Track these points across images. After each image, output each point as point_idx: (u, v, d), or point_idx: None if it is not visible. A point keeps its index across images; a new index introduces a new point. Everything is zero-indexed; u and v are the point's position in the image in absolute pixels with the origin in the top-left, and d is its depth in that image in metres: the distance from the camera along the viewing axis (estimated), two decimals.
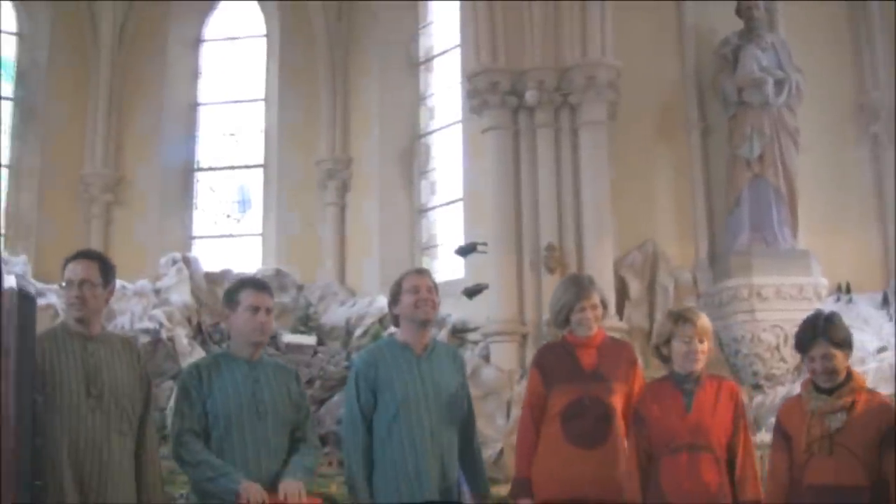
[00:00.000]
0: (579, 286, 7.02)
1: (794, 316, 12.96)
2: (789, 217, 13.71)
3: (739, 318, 13.30)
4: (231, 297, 6.26)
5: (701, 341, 6.47)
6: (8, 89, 19.74)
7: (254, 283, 6.40)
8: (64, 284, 5.96)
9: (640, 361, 7.21)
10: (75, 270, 5.96)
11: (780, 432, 6.42)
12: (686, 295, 13.94)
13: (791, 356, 12.79)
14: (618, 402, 6.70)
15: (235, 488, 5.75)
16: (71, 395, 5.71)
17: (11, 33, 19.82)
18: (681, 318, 6.57)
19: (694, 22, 14.73)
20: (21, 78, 19.74)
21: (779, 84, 13.78)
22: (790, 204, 13.74)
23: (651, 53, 14.56)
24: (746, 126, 13.71)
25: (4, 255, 17.18)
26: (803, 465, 6.17)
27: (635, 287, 13.91)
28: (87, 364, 5.80)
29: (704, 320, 6.58)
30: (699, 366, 6.47)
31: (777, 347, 13.11)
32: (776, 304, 13.20)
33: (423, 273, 6.86)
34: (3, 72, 19.76)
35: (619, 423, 6.66)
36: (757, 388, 13.10)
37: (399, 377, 6.45)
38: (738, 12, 14.24)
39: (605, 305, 7.02)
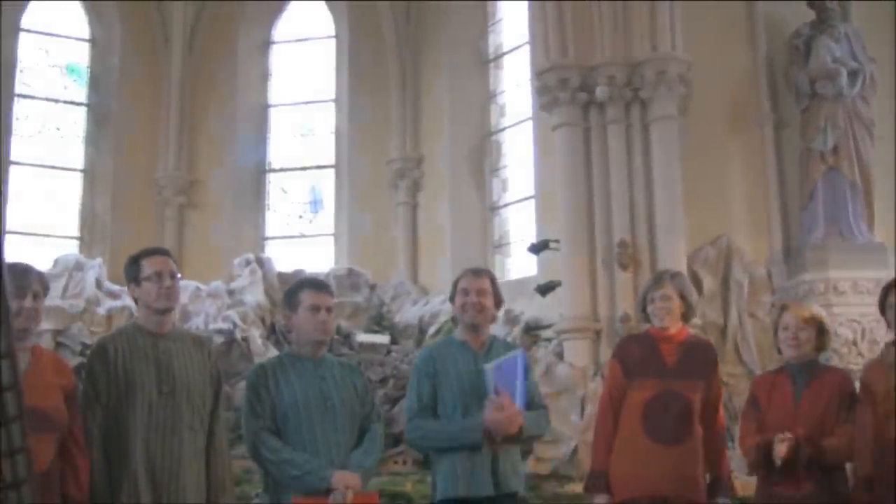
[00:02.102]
0: (656, 277, 7.09)
1: (871, 310, 12.78)
2: (865, 210, 13.52)
3: None
4: (291, 298, 6.24)
5: (800, 328, 6.49)
6: (82, 95, 20.03)
7: (313, 283, 6.38)
8: (146, 276, 5.95)
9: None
10: (164, 263, 5.98)
11: (865, 389, 6.39)
12: (761, 290, 13.81)
13: (868, 351, 12.63)
14: (698, 400, 6.62)
15: (325, 486, 5.77)
16: (143, 393, 5.74)
17: (84, 40, 20.08)
18: (781, 307, 6.74)
19: (765, 13, 14.57)
20: (94, 83, 20.02)
21: (853, 75, 13.59)
22: (866, 196, 13.55)
23: (722, 46, 14.43)
24: (820, 118, 13.54)
25: (81, 257, 17.42)
26: (886, 419, 6.13)
27: (709, 283, 13.79)
28: (160, 362, 5.83)
29: (801, 309, 6.67)
30: (794, 353, 6.50)
31: (854, 342, 12.92)
32: (853, 298, 13.02)
33: (477, 274, 6.73)
34: (76, 78, 20.02)
35: (698, 422, 6.60)
36: None
37: (455, 371, 6.46)
38: (811, 3, 14.07)
39: (687, 302, 6.90)
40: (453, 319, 15.86)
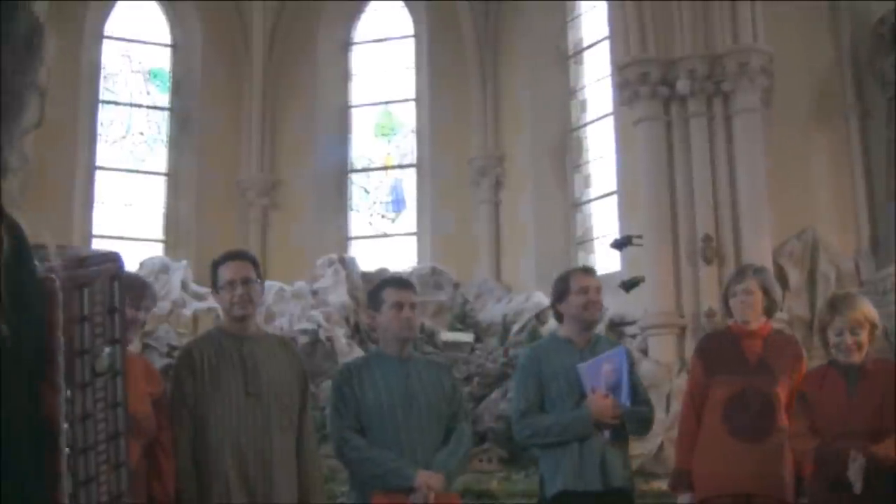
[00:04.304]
0: (738, 271, 7.09)
1: None
2: None
3: None
4: (375, 297, 6.30)
5: (854, 333, 6.21)
6: (164, 99, 20.24)
7: (396, 281, 6.49)
8: (222, 286, 6.02)
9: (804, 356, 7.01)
10: (236, 270, 6.03)
11: None
12: (848, 283, 13.61)
13: None
14: (782, 395, 6.52)
15: (408, 484, 5.79)
16: (231, 395, 5.80)
17: (165, 45, 20.29)
18: (833, 308, 6.37)
19: (848, 2, 14.39)
20: (176, 88, 20.23)
21: None
22: None
23: (805, 36, 14.28)
24: None
25: (166, 260, 17.58)
26: None
27: (795, 276, 13.65)
28: (245, 363, 5.89)
29: (858, 311, 6.29)
30: (854, 357, 6.22)
31: None
32: None
33: (591, 273, 6.89)
34: (159, 83, 20.24)
35: (783, 418, 6.47)
36: None
37: (562, 369, 6.47)
38: None
39: (771, 297, 6.80)
40: (537, 317, 15.87)
